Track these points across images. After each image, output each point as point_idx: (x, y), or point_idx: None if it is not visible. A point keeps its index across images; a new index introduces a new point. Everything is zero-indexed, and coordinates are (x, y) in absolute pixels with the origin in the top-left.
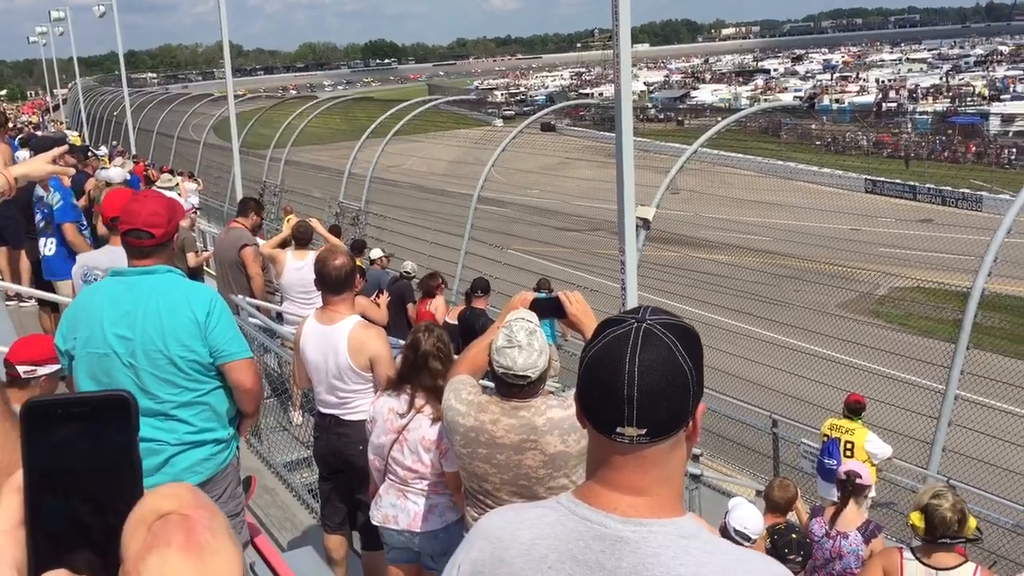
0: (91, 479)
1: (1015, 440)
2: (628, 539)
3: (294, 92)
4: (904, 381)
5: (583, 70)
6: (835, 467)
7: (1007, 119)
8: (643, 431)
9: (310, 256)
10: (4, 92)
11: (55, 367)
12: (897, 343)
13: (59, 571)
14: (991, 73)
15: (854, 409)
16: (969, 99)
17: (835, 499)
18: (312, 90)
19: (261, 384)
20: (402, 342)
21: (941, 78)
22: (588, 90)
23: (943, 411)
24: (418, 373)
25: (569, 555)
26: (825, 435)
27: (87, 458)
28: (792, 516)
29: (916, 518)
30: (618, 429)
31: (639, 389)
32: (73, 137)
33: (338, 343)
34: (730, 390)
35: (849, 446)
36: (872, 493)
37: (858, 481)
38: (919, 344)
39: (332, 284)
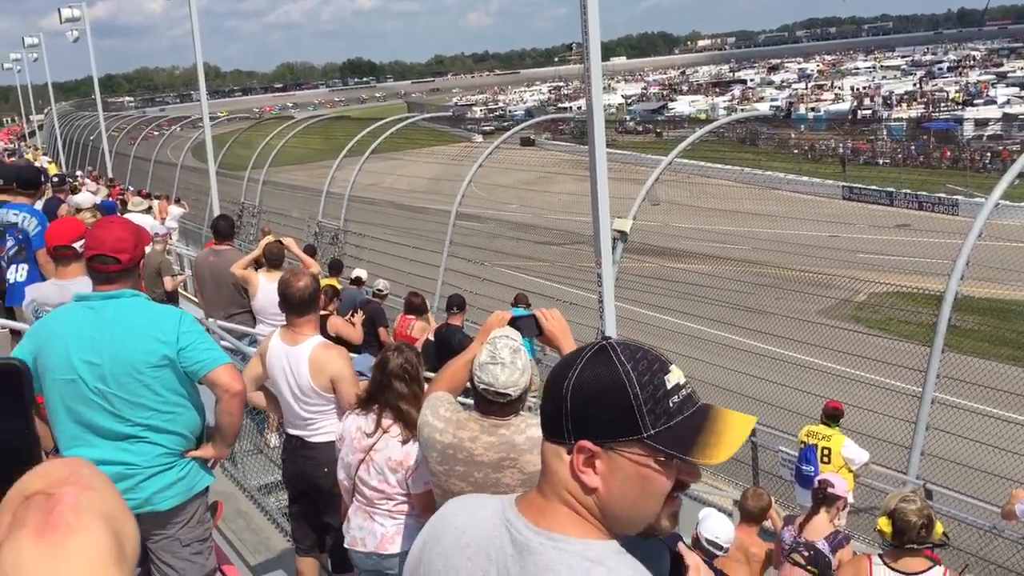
0: None
1: (992, 442)
2: (535, 550)
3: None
4: (883, 386)
5: (561, 84)
6: (812, 474)
7: (980, 123)
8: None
9: None
10: None
11: None
12: (877, 348)
13: None
14: (964, 78)
15: (832, 415)
16: (943, 104)
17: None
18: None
19: (244, 386)
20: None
21: (915, 84)
22: (567, 104)
23: (920, 415)
24: (385, 393)
25: (485, 552)
26: (802, 442)
27: None
28: (768, 523)
29: (884, 524)
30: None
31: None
32: (48, 164)
33: (300, 363)
34: (709, 399)
35: (826, 452)
36: (850, 500)
37: (830, 491)
38: (899, 348)
39: (295, 305)
